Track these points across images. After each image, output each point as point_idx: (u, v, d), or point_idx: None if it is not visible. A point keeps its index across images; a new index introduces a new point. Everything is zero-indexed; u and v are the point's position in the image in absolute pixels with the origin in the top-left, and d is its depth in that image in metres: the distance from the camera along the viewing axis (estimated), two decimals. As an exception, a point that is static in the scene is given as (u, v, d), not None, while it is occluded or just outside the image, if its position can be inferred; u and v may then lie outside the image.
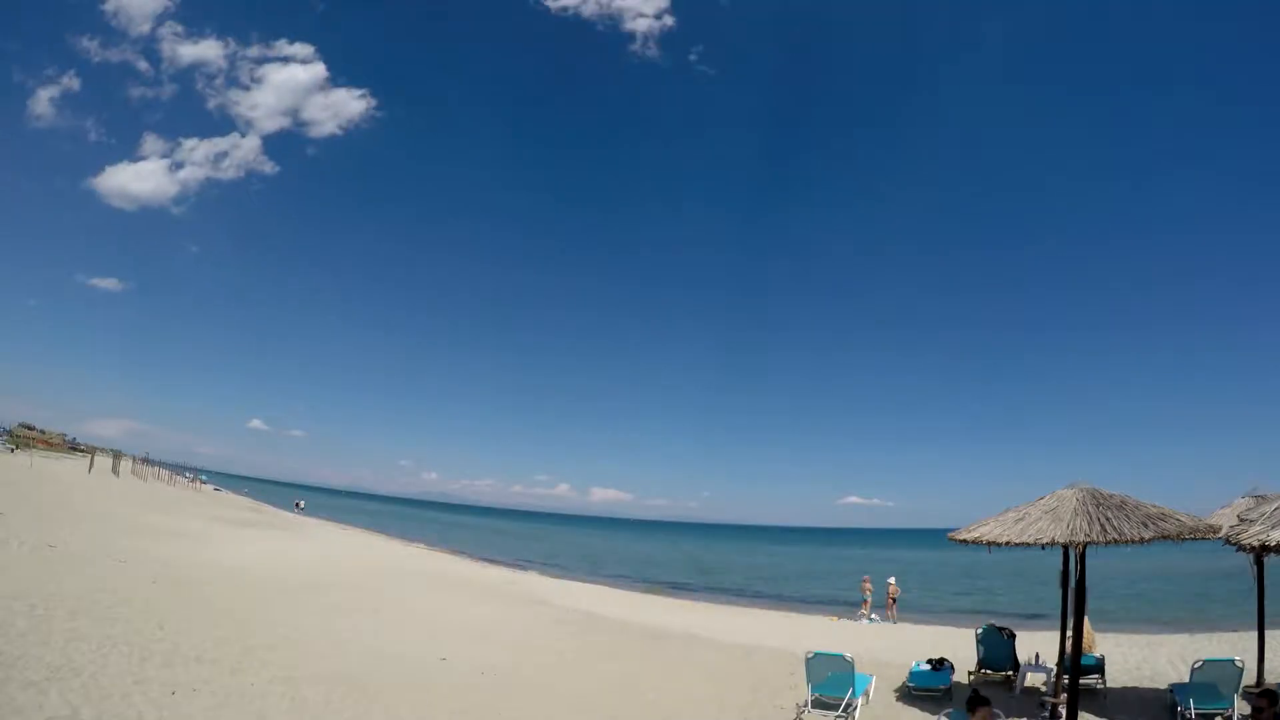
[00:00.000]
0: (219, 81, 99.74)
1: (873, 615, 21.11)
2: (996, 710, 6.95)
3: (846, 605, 24.10)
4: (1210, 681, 8.17)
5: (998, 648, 10.32)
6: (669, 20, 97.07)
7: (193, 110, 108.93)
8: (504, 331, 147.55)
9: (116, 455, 59.68)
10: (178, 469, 74.33)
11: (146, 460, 64.44)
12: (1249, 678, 8.46)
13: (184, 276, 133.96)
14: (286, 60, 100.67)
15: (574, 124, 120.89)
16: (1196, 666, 8.49)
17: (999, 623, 11.36)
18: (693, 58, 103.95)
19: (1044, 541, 7.49)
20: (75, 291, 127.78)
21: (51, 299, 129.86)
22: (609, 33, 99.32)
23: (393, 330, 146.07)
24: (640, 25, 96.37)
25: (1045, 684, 9.39)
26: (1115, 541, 7.15)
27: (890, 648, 13.78)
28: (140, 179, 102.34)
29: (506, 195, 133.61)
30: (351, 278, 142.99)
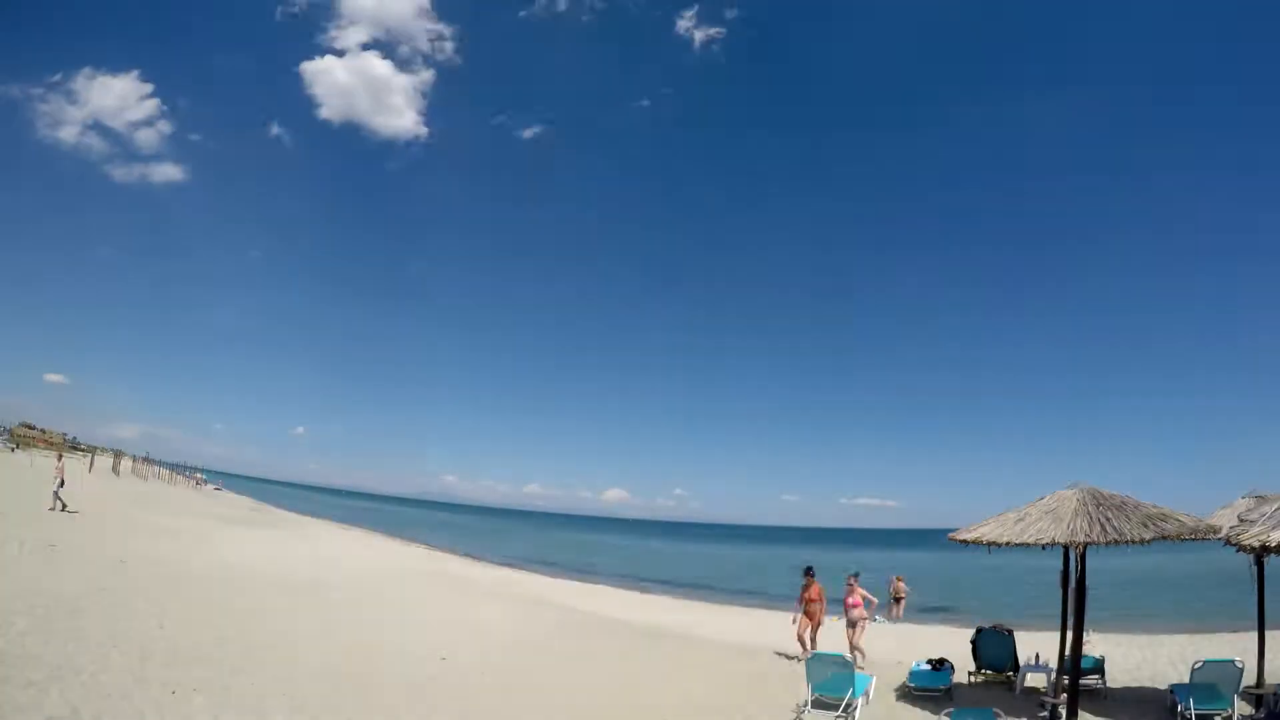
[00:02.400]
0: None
1: (876, 616, 21.11)
2: (997, 711, 6.96)
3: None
4: (1210, 682, 8.16)
5: (998, 647, 10.32)
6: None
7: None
8: (517, 337, 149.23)
9: (117, 454, 59.70)
10: (179, 468, 74.30)
11: (147, 459, 64.44)
12: (1249, 678, 8.45)
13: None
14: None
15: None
16: (1196, 667, 8.49)
17: (999, 622, 11.35)
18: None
19: (1044, 542, 7.48)
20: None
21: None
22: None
23: (410, 334, 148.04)
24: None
25: (1045, 684, 9.39)
26: (1115, 542, 7.14)
27: (890, 648, 13.78)
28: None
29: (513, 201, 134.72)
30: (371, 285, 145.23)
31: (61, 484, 20.90)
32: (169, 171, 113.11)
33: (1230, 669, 8.21)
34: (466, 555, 37.56)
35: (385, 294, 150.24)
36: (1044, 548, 7.56)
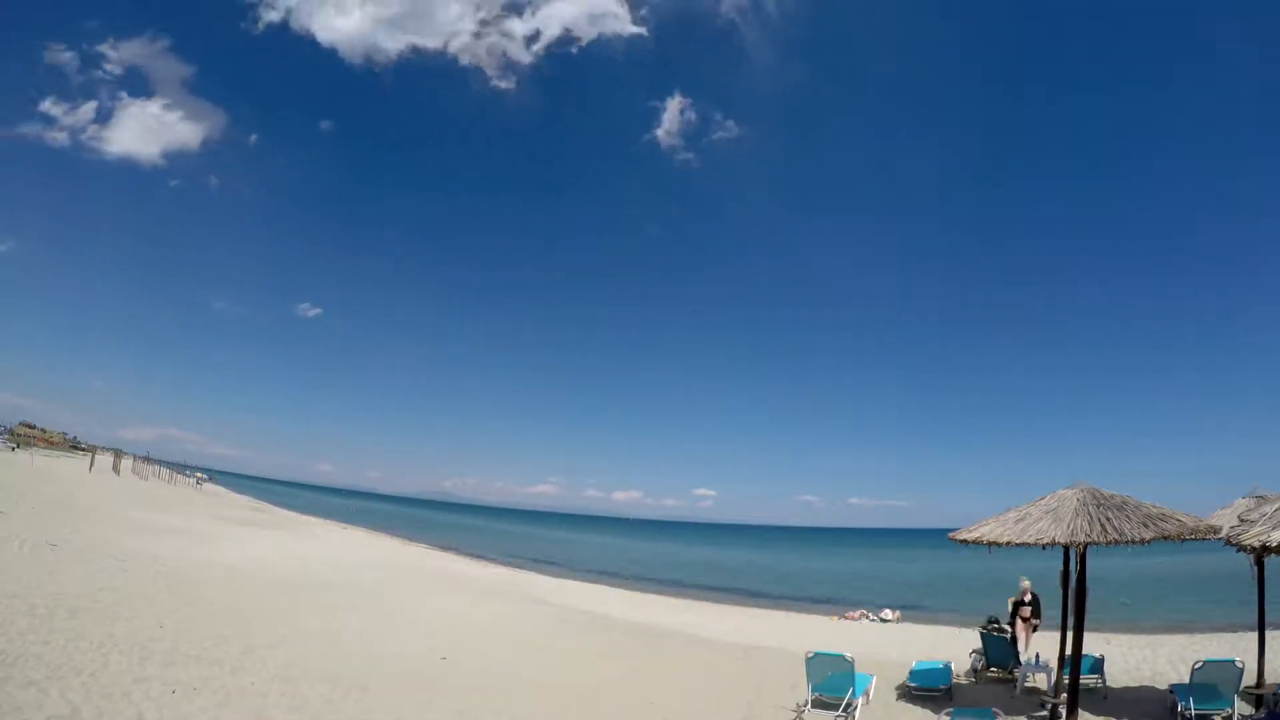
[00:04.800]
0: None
1: (872, 615, 21.11)
2: (997, 710, 6.95)
3: (847, 606, 24.10)
4: (1210, 682, 8.15)
5: (999, 646, 10.36)
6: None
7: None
8: (524, 341, 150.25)
9: (117, 454, 59.73)
10: (179, 468, 74.36)
11: (148, 459, 64.49)
12: (1249, 678, 8.45)
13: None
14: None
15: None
16: (1197, 666, 8.49)
17: (992, 624, 11.37)
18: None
19: (1044, 542, 7.48)
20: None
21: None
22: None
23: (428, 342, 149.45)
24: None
25: (1045, 684, 9.40)
26: (1115, 542, 7.14)
27: (890, 648, 13.79)
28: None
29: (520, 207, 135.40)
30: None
31: None
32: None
33: (1230, 669, 8.20)
34: (469, 555, 37.57)
35: (399, 298, 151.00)
36: (1044, 548, 7.56)
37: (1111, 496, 7.75)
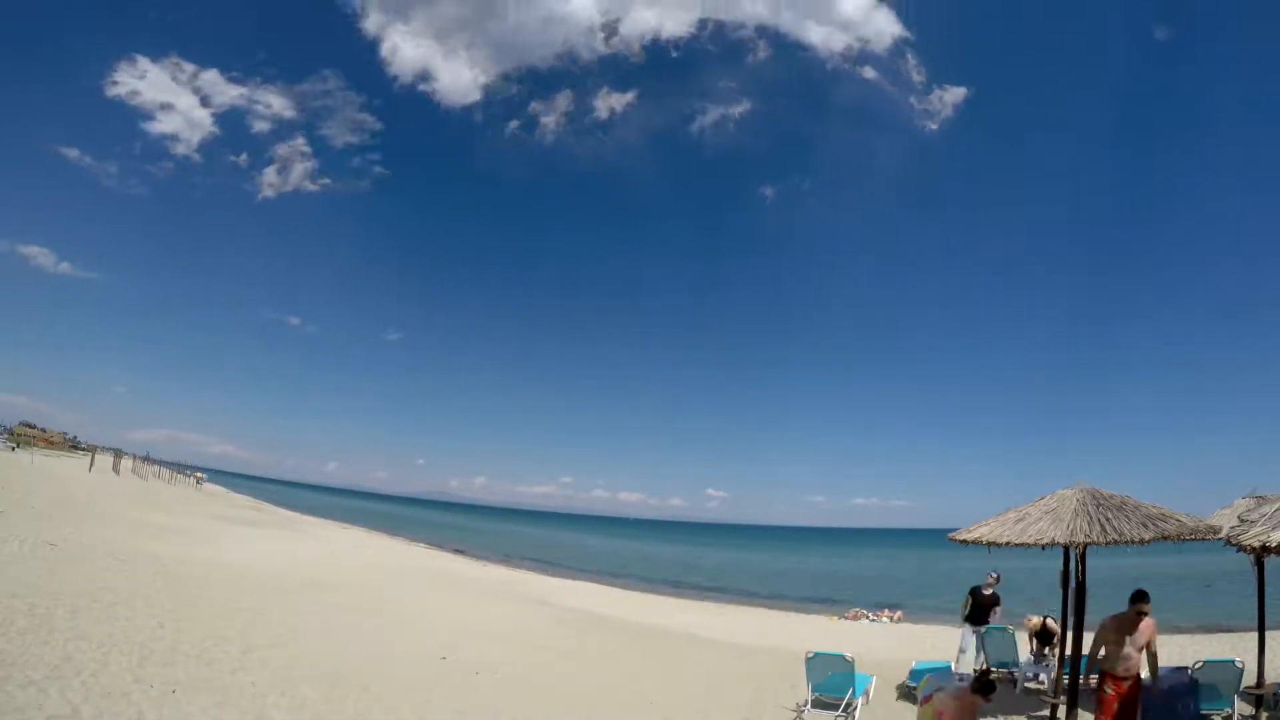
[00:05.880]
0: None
1: (870, 615, 21.13)
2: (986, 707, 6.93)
3: (847, 606, 24.11)
4: (1210, 682, 8.15)
5: (1000, 645, 10.35)
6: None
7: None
8: (530, 340, 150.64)
9: (117, 454, 59.75)
10: (178, 467, 74.31)
11: (147, 459, 64.46)
12: (1249, 678, 8.45)
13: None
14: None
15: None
16: (1196, 667, 8.48)
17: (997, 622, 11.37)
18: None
19: (1044, 542, 7.48)
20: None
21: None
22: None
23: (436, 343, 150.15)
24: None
25: (1046, 684, 9.39)
26: (1115, 542, 7.13)
27: (890, 648, 13.79)
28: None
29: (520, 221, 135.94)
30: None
31: None
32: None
33: (1230, 669, 8.20)
34: (470, 555, 37.57)
35: (407, 300, 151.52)
36: (1044, 548, 7.56)
37: (1111, 496, 7.75)
